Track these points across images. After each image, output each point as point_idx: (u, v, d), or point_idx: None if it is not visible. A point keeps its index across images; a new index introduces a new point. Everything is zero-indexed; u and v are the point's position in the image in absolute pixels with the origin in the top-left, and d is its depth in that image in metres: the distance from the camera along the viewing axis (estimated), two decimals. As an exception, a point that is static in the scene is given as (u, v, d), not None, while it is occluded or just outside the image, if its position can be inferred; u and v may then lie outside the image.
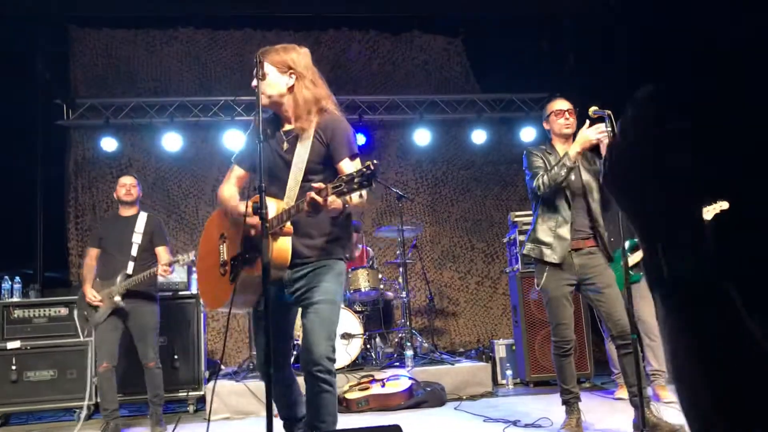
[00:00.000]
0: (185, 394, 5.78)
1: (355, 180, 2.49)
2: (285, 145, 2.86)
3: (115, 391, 4.93)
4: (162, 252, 5.08)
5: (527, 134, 8.86)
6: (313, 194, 2.52)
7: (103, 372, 4.85)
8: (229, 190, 3.03)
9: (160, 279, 5.10)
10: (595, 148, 3.90)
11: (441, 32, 9.27)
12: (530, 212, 6.69)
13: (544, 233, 3.96)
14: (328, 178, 2.80)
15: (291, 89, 2.90)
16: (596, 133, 3.72)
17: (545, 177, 3.86)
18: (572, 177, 3.93)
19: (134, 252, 4.99)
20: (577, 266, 3.90)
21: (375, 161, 2.44)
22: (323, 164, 2.90)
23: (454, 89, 9.26)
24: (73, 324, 5.72)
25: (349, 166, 2.83)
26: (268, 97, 2.88)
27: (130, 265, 4.93)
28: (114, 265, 4.94)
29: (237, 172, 3.07)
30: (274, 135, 2.97)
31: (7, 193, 7.29)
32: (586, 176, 3.99)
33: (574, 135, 3.99)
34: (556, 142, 4.10)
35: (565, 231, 3.89)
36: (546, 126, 4.19)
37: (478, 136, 8.89)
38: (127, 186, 5.13)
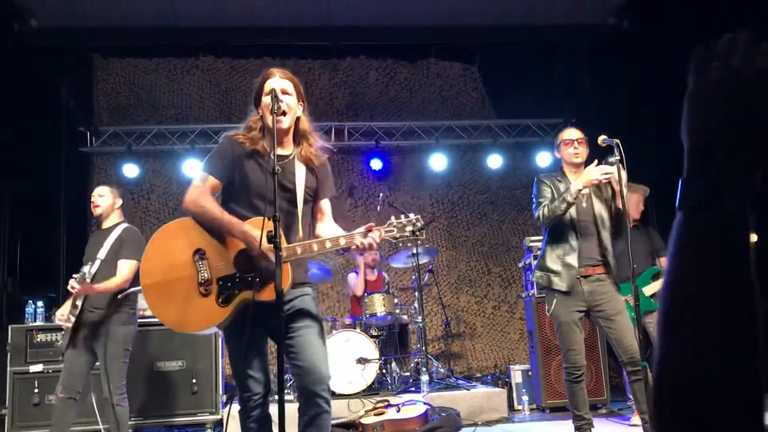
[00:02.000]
0: (203, 417, 5.83)
1: (407, 228, 2.68)
2: (277, 169, 2.67)
3: (67, 424, 4.44)
4: (120, 266, 4.50)
5: (543, 159, 8.90)
6: (374, 236, 2.69)
7: (57, 401, 4.44)
8: (213, 202, 2.83)
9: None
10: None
11: (457, 59, 9.39)
12: (546, 237, 6.77)
13: (552, 261, 4.01)
14: (310, 210, 2.97)
15: (298, 117, 2.98)
16: (600, 174, 3.78)
17: (545, 209, 3.93)
18: (583, 205, 3.97)
19: (94, 269, 4.48)
20: (586, 293, 3.94)
21: (422, 216, 2.72)
22: (312, 197, 2.98)
23: (470, 115, 9.35)
24: (93, 348, 5.81)
25: (327, 206, 3.03)
26: (289, 120, 2.90)
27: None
28: None
29: (211, 182, 2.85)
30: (262, 155, 2.87)
31: (31, 218, 7.46)
32: (598, 206, 4.03)
33: (587, 163, 4.04)
34: (567, 170, 4.16)
35: (572, 259, 3.93)
36: (557, 154, 4.26)
37: (494, 161, 8.95)
38: (94, 197, 4.71)
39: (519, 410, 6.40)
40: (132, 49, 8.77)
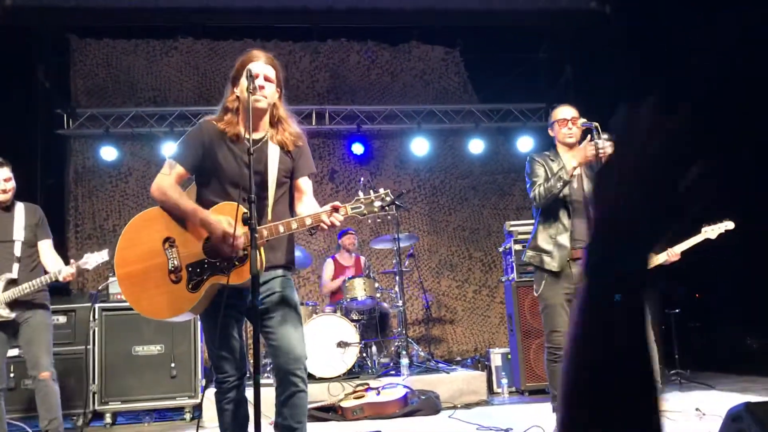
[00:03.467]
0: (182, 402, 5.82)
1: (375, 203, 2.65)
2: (251, 151, 2.67)
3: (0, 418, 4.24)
4: (46, 248, 4.37)
5: (524, 144, 8.93)
6: (337, 215, 2.66)
7: None
8: (178, 190, 2.85)
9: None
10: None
11: (439, 43, 9.35)
12: (526, 221, 6.80)
13: (544, 241, 3.97)
14: (288, 191, 2.96)
15: (274, 103, 2.95)
16: (593, 150, 3.72)
17: (541, 188, 3.89)
18: (574, 186, 3.93)
19: (18, 251, 4.23)
20: (575, 276, 3.92)
21: (392, 191, 2.70)
22: (288, 177, 2.98)
23: (452, 99, 9.33)
24: (71, 332, 5.78)
25: (306, 184, 2.99)
26: (267, 104, 2.88)
27: (15, 268, 4.21)
28: None
29: (178, 170, 2.87)
30: (235, 141, 2.87)
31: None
32: (588, 186, 4.00)
33: (580, 142, 4.02)
34: (560, 149, 4.09)
35: (564, 239, 3.90)
36: (551, 133, 4.17)
37: (476, 146, 8.96)
38: (3, 188, 4.32)
39: (498, 393, 6.45)
40: (110, 29, 8.64)
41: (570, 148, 4.04)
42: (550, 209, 3.98)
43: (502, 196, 9.39)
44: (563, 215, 3.94)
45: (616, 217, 0.91)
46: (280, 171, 2.90)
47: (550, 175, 3.91)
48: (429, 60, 9.40)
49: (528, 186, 4.08)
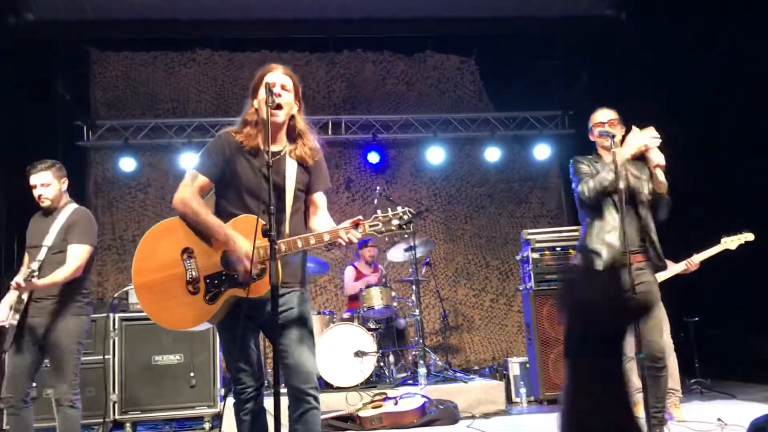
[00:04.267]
0: (201, 411, 5.84)
1: (392, 222, 2.68)
2: (270, 163, 2.68)
3: (27, 427, 4.04)
4: (71, 252, 4.03)
5: (541, 152, 8.92)
6: (355, 233, 2.68)
7: (5, 407, 3.99)
8: (200, 202, 2.84)
9: None
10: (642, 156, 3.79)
11: (454, 52, 9.36)
12: (544, 230, 6.80)
13: (592, 241, 3.85)
14: (303, 205, 2.98)
15: (293, 116, 2.97)
16: (645, 139, 3.61)
17: (591, 182, 3.78)
18: (620, 184, 3.85)
19: (41, 256, 4.00)
20: (625, 282, 3.82)
21: (411, 209, 2.71)
22: (304, 191, 2.99)
23: (467, 108, 9.33)
24: (91, 342, 5.81)
25: (321, 199, 3.02)
26: (285, 114, 2.90)
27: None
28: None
29: (200, 181, 2.87)
30: (254, 153, 2.89)
31: (28, 212, 7.41)
32: (633, 182, 3.85)
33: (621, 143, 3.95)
34: (601, 152, 4.02)
35: (613, 238, 3.77)
36: (591, 138, 4.09)
37: (492, 154, 8.95)
38: (38, 188, 4.16)
39: (517, 402, 6.42)
40: (129, 42, 8.73)
41: (609, 150, 3.93)
42: (596, 208, 3.86)
43: (519, 204, 9.36)
44: (610, 213, 3.82)
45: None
46: (297, 184, 2.92)
47: (596, 172, 3.84)
48: (444, 69, 9.41)
49: (574, 185, 3.97)
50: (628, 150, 3.69)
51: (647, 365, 3.72)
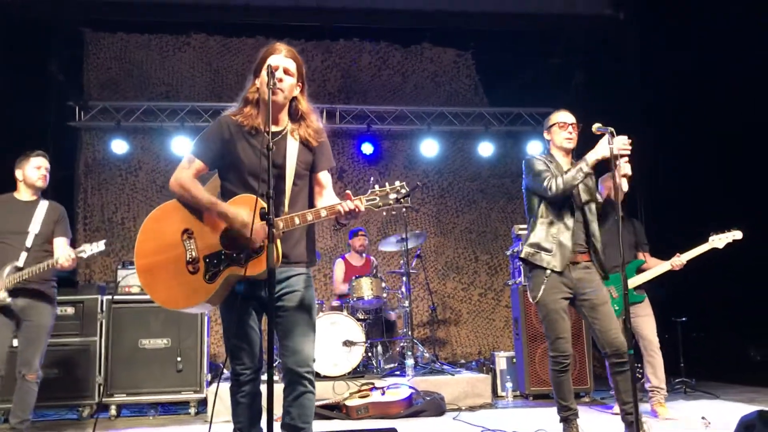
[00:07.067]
0: (187, 396, 5.83)
1: (390, 195, 2.69)
2: (272, 146, 2.66)
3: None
4: (61, 244, 4.46)
5: (534, 148, 8.94)
6: (353, 205, 2.68)
7: None
8: (196, 184, 2.87)
9: None
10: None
11: (451, 45, 9.36)
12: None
13: (544, 239, 3.90)
14: (307, 184, 2.98)
15: (295, 97, 2.97)
16: (622, 145, 3.60)
17: (559, 179, 3.80)
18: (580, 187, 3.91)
19: (29, 242, 4.34)
20: (574, 279, 3.89)
21: (406, 183, 2.69)
22: (308, 171, 2.99)
23: (462, 102, 9.33)
24: (79, 324, 5.80)
25: (326, 178, 3.03)
26: (284, 97, 2.89)
27: (22, 257, 4.29)
28: (3, 255, 4.28)
29: (197, 165, 2.89)
30: (254, 134, 2.89)
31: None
32: (584, 194, 3.95)
33: (573, 150, 4.03)
34: (556, 153, 4.06)
35: (566, 238, 3.85)
36: (546, 136, 4.12)
37: (485, 149, 8.96)
38: (42, 169, 4.49)
39: (503, 396, 6.45)
40: (123, 23, 8.66)
41: (567, 153, 4.03)
42: (554, 207, 3.91)
43: (510, 199, 9.38)
44: (567, 215, 3.89)
45: None
46: (299, 164, 2.91)
47: (556, 173, 3.87)
48: (441, 62, 9.41)
49: (529, 181, 4.00)
50: (600, 154, 3.72)
51: (613, 362, 3.79)
